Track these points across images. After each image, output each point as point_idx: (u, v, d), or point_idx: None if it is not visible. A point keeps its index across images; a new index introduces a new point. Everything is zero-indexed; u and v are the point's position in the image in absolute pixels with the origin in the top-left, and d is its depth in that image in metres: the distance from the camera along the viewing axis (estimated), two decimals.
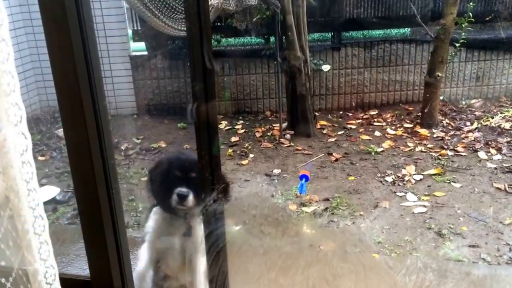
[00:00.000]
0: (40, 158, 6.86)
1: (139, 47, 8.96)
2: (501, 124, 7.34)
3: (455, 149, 6.72)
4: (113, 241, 2.47)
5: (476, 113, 8.03)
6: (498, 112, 7.89)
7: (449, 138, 7.11)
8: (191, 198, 2.81)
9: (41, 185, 5.81)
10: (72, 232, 5.04)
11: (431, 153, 6.66)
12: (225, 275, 2.67)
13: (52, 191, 5.84)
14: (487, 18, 8.44)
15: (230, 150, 7.08)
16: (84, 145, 2.37)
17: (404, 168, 6.24)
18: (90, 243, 2.44)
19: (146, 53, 8.87)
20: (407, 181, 5.95)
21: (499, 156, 6.43)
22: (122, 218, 2.70)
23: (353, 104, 8.81)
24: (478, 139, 6.98)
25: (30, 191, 1.91)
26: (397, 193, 5.67)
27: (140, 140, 7.60)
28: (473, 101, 8.53)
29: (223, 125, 8.17)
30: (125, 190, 5.93)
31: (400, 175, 6.08)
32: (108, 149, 2.49)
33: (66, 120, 2.37)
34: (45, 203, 5.35)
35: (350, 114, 8.57)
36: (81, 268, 3.25)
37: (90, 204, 2.49)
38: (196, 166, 2.56)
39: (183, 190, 2.80)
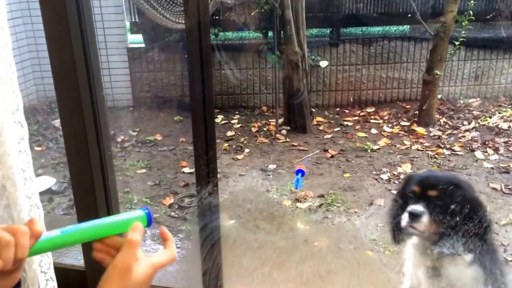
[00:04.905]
0: (36, 148, 6.85)
1: (136, 39, 8.94)
2: (498, 124, 7.33)
3: (452, 148, 6.71)
4: None
5: (474, 112, 8.02)
6: (496, 112, 7.88)
7: (446, 137, 7.10)
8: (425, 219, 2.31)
9: (37, 175, 5.79)
10: (67, 222, 5.02)
11: (427, 152, 6.65)
12: (219, 269, 2.67)
13: (48, 182, 5.84)
14: (488, 17, 8.42)
15: (225, 145, 7.08)
16: (81, 136, 2.36)
17: (400, 166, 6.23)
18: None
19: (143, 45, 8.85)
20: (402, 179, 5.95)
21: (496, 156, 6.42)
22: (117, 209, 2.69)
23: (350, 101, 8.79)
24: (475, 138, 6.97)
25: (26, 180, 1.90)
26: (392, 191, 5.67)
27: (136, 133, 7.59)
28: (471, 100, 8.52)
29: (219, 119, 8.16)
30: (120, 182, 5.92)
31: (396, 173, 6.08)
32: (105, 141, 2.48)
33: (64, 110, 2.36)
34: (41, 194, 5.34)
35: (347, 111, 8.56)
36: (76, 258, 3.25)
37: (86, 195, 2.48)
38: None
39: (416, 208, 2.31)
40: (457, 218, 2.23)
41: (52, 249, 1.22)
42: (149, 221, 1.36)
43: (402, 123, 7.75)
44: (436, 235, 2.32)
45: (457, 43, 7.37)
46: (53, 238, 1.20)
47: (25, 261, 1.16)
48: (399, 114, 8.20)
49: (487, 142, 6.82)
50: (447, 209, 2.25)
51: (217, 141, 6.96)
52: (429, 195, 2.31)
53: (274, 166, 6.42)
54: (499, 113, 7.81)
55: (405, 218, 2.31)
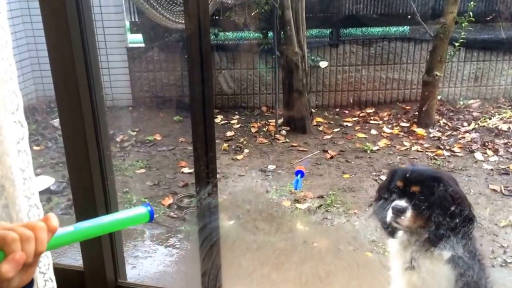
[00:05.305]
0: (35, 148, 6.84)
1: (136, 39, 8.93)
2: (498, 126, 7.32)
3: (452, 149, 6.69)
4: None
5: (474, 113, 8.01)
6: (496, 113, 7.87)
7: (446, 138, 7.09)
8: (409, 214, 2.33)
9: (36, 175, 5.78)
10: (66, 222, 5.01)
11: (427, 153, 6.64)
12: (218, 269, 2.67)
13: (47, 181, 5.83)
14: (488, 18, 8.42)
15: (225, 145, 7.07)
16: (80, 135, 2.35)
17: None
18: None
19: (143, 45, 8.84)
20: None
21: (495, 158, 6.41)
22: (116, 209, 2.69)
23: (350, 102, 8.78)
24: (475, 140, 6.96)
25: (25, 180, 1.89)
26: None
27: (135, 133, 7.58)
28: (471, 101, 8.51)
29: (218, 119, 8.15)
30: (119, 182, 5.91)
31: None
32: (104, 140, 2.48)
33: (63, 110, 2.35)
34: (40, 193, 5.33)
35: (347, 112, 8.55)
36: (74, 259, 3.25)
37: (85, 195, 2.48)
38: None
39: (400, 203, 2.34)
40: (440, 213, 2.27)
41: (66, 243, 1.29)
42: (151, 217, 1.43)
43: (402, 124, 7.74)
44: (420, 229, 2.36)
45: (457, 44, 7.35)
46: (67, 234, 1.28)
47: (40, 256, 1.22)
48: (399, 115, 8.19)
49: (486, 144, 6.81)
50: (430, 204, 2.28)
51: (217, 141, 6.96)
52: (412, 190, 2.34)
53: (274, 166, 6.41)
54: (499, 114, 7.80)
55: (389, 214, 2.35)
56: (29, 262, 1.15)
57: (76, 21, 2.21)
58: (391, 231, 2.49)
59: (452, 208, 2.26)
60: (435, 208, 2.26)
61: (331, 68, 8.65)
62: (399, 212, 2.31)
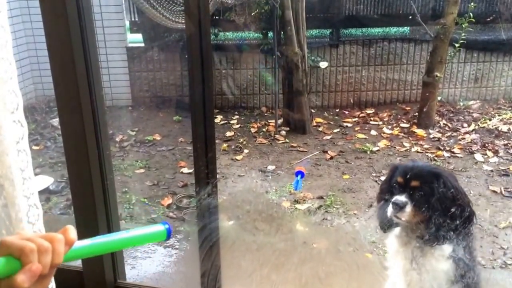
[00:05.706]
0: (34, 147, 6.83)
1: (136, 39, 8.92)
2: (498, 127, 7.31)
3: (452, 150, 6.68)
4: (106, 232, 2.44)
5: (474, 114, 8.00)
6: (496, 114, 7.85)
7: (446, 139, 7.08)
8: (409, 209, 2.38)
9: (35, 174, 5.76)
10: (65, 222, 4.99)
11: (427, 154, 6.63)
12: (218, 270, 2.66)
13: (46, 181, 5.82)
14: (488, 19, 8.41)
15: (224, 145, 7.06)
16: (80, 135, 2.35)
17: None
18: (83, 233, 2.40)
19: (143, 44, 8.83)
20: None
21: (495, 159, 6.40)
22: (116, 209, 2.68)
23: (350, 102, 8.77)
24: (475, 141, 6.95)
25: (25, 179, 1.88)
26: None
27: (135, 132, 7.57)
28: (471, 102, 8.50)
29: (218, 119, 8.14)
30: (119, 182, 5.90)
31: None
32: (103, 140, 2.47)
33: (63, 109, 2.35)
34: (39, 193, 5.32)
35: (347, 112, 8.54)
36: None
37: (85, 195, 2.47)
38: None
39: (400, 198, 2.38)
40: (440, 208, 2.31)
41: (82, 256, 1.30)
42: (168, 236, 1.42)
43: (402, 125, 7.72)
44: (420, 224, 2.40)
45: (457, 45, 7.35)
46: (84, 247, 1.28)
47: (56, 268, 1.22)
48: (399, 116, 8.18)
49: (486, 145, 6.81)
50: (430, 199, 2.32)
51: (216, 141, 6.95)
52: (412, 186, 2.39)
53: (273, 167, 6.40)
54: (499, 115, 7.79)
55: (390, 209, 2.40)
56: (44, 273, 1.16)
57: (76, 21, 2.21)
58: (387, 226, 2.52)
59: (451, 203, 2.29)
60: (434, 203, 2.29)
61: (331, 68, 8.64)
62: (399, 207, 2.36)
